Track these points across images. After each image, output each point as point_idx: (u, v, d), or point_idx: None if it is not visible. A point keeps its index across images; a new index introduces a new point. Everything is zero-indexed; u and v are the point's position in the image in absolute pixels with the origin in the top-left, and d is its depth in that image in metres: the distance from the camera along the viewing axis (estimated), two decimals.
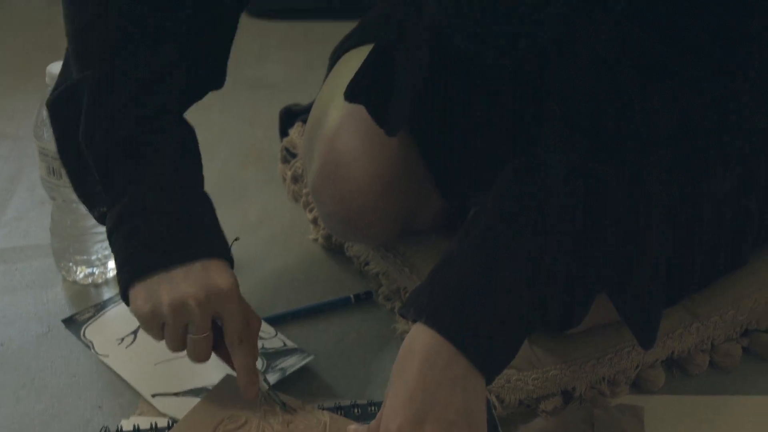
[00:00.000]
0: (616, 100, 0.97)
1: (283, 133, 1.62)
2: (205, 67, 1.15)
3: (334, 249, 1.47)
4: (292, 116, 1.62)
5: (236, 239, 1.11)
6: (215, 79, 1.18)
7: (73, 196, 1.30)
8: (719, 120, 1.00)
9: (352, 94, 1.20)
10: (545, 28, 1.01)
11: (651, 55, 0.96)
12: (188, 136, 1.11)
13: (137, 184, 1.05)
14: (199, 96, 1.16)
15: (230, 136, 1.78)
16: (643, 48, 0.96)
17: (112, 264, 1.37)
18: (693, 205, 1.06)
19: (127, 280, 1.05)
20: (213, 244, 1.06)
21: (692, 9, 0.94)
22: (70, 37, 1.10)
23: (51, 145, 1.28)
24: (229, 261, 1.07)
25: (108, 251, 1.36)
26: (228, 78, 1.19)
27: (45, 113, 1.28)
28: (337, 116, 1.27)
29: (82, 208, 1.32)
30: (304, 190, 1.52)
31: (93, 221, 1.33)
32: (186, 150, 1.10)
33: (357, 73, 1.20)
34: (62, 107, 1.10)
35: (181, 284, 1.03)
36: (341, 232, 1.34)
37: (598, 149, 0.98)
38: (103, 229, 1.32)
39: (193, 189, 1.08)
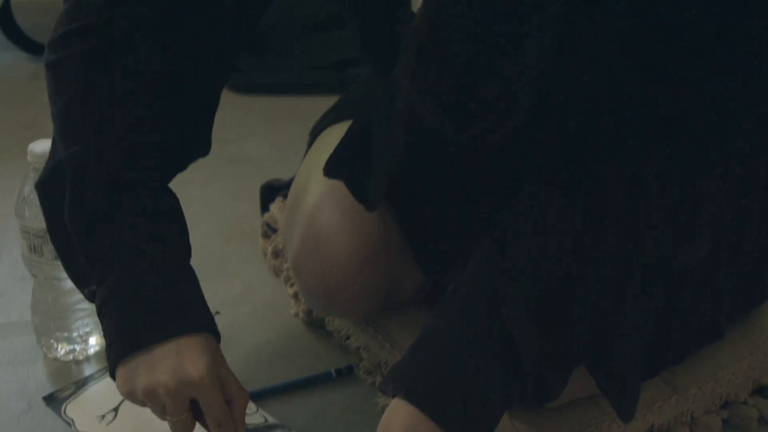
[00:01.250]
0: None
1: (264, 208, 1.63)
2: (188, 137, 1.16)
3: (315, 323, 1.47)
4: (273, 191, 1.63)
5: (217, 313, 1.12)
6: (199, 148, 1.19)
7: (55, 274, 1.31)
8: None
9: (331, 170, 1.21)
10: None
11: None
12: (173, 207, 1.12)
13: (122, 262, 1.06)
14: (183, 166, 1.16)
15: (212, 212, 1.79)
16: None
17: (93, 341, 1.37)
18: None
19: (113, 359, 1.06)
20: (191, 321, 1.06)
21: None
22: (53, 116, 1.11)
23: (32, 223, 1.28)
24: (213, 333, 1.07)
25: (89, 328, 1.37)
26: (210, 153, 1.20)
27: (26, 191, 1.29)
28: (317, 192, 1.28)
29: (64, 285, 1.33)
30: (285, 265, 1.53)
31: (74, 298, 1.34)
32: (171, 222, 1.10)
33: (336, 149, 1.21)
34: (49, 187, 1.10)
35: (155, 370, 1.03)
36: (322, 308, 1.34)
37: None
38: (84, 305, 1.34)
39: (177, 264, 1.09)
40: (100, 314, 1.07)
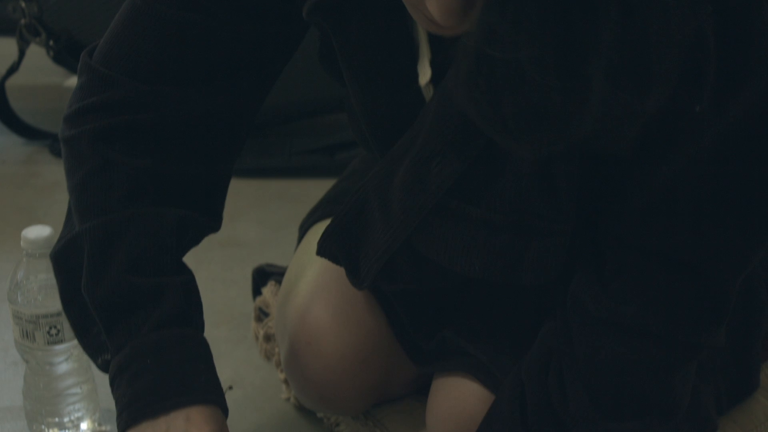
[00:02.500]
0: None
1: (256, 292, 1.64)
2: (201, 212, 1.17)
3: (306, 409, 1.47)
4: (265, 276, 1.64)
5: (229, 388, 1.13)
6: (213, 222, 1.20)
7: (47, 359, 1.31)
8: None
9: (323, 247, 1.21)
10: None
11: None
12: (188, 280, 1.14)
13: (138, 333, 1.08)
14: (196, 240, 1.18)
15: (203, 295, 1.77)
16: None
17: (84, 426, 1.37)
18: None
19: (124, 424, 1.07)
20: (201, 393, 1.07)
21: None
22: (70, 190, 1.13)
23: (25, 309, 1.29)
24: (222, 407, 1.09)
25: (80, 413, 1.36)
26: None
27: (19, 277, 1.29)
28: (307, 292, 1.28)
29: (55, 371, 1.33)
30: (276, 349, 1.53)
31: (66, 383, 1.33)
32: (186, 295, 1.12)
33: (330, 225, 1.20)
34: (65, 260, 1.12)
35: None
36: (314, 406, 1.35)
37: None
38: (76, 390, 1.34)
39: (191, 337, 1.11)
40: (114, 383, 1.09)
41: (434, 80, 1.07)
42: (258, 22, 1.10)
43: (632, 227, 1.02)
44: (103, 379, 1.14)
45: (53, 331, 1.30)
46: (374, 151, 1.16)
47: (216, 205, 1.20)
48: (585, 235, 1.06)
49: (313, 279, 1.26)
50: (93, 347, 1.13)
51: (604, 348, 1.04)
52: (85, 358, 1.26)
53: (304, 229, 1.42)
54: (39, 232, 1.27)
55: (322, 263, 1.23)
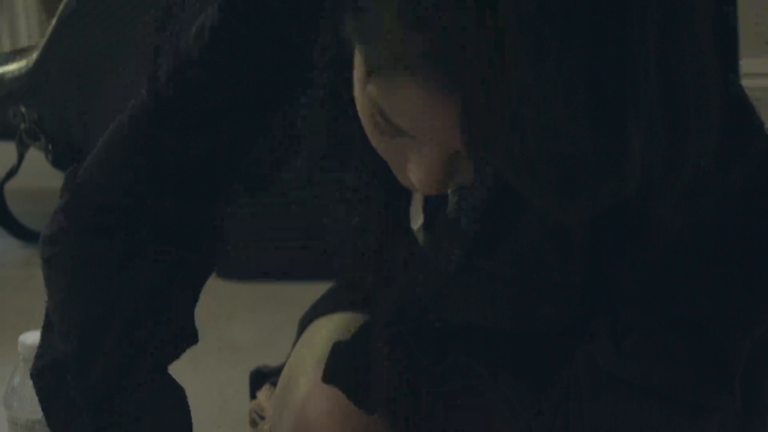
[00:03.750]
0: None
1: (254, 395, 1.63)
2: (178, 327, 1.17)
3: None
4: (262, 378, 1.63)
5: None
6: (190, 336, 1.20)
7: None
8: None
9: (329, 377, 1.21)
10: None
11: None
12: (176, 395, 1.15)
13: None
14: (176, 355, 1.18)
15: (199, 399, 1.77)
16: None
17: None
18: None
19: None
20: None
21: None
22: (51, 310, 1.14)
23: (20, 414, 1.29)
24: None
25: None
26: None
27: (16, 382, 1.29)
28: (307, 386, 1.28)
29: None
30: None
31: None
32: (175, 410, 1.14)
33: (333, 354, 1.21)
34: (47, 379, 1.12)
35: None
36: None
37: None
38: None
39: None
40: None
41: (426, 226, 1.09)
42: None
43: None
44: None
45: None
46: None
47: (189, 317, 1.20)
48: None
49: (312, 374, 1.25)
50: None
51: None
52: None
53: (304, 325, 1.42)
54: (36, 337, 1.27)
55: (322, 358, 1.24)
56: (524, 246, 1.02)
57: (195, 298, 1.20)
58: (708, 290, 0.99)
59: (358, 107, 0.88)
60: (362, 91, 0.85)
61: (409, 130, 0.83)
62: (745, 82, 1.01)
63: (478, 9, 0.73)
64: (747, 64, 1.14)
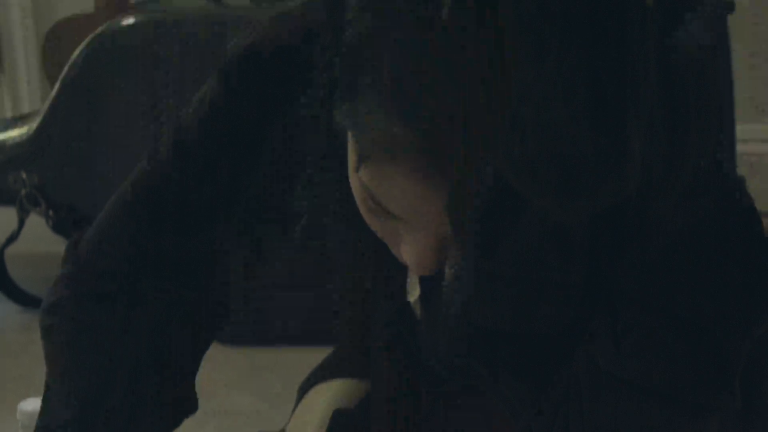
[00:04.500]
0: None
1: None
2: (178, 397, 1.18)
3: None
4: None
5: None
6: (190, 406, 1.20)
7: None
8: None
9: None
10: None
11: None
12: None
13: None
14: (177, 422, 1.18)
15: None
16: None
17: None
18: None
19: None
20: None
21: None
22: (52, 378, 1.14)
23: None
24: None
25: None
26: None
27: None
28: None
29: None
30: None
31: None
32: None
33: (333, 419, 1.21)
34: None
35: None
36: None
37: None
38: None
39: None
40: None
41: (423, 298, 1.10)
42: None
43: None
44: None
45: None
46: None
47: (190, 384, 1.20)
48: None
49: None
50: None
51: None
52: None
53: (303, 390, 1.42)
54: (36, 405, 1.27)
55: (322, 424, 1.24)
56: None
57: (199, 346, 1.21)
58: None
59: (353, 190, 0.89)
60: (354, 176, 0.87)
61: (399, 216, 0.85)
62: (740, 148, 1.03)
63: (462, 101, 0.74)
64: (741, 131, 1.15)
